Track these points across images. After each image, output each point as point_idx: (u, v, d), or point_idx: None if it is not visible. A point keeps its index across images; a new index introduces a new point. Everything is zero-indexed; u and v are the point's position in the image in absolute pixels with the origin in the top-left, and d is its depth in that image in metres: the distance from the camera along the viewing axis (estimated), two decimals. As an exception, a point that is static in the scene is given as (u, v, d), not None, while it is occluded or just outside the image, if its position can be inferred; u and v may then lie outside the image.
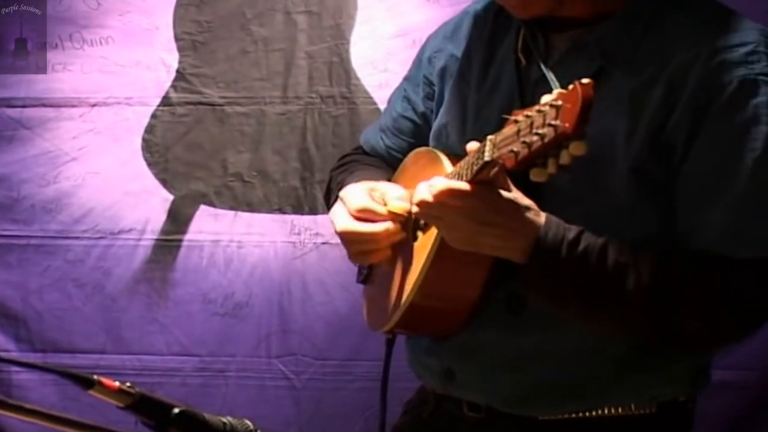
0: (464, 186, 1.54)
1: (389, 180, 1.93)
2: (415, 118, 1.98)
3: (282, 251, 3.21)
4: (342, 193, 1.84)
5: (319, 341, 3.19)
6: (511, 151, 1.41)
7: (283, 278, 3.21)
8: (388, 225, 1.76)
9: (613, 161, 1.62)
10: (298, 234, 3.21)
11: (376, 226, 1.77)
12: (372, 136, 2.08)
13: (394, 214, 1.76)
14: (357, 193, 1.81)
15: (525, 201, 1.57)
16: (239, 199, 3.24)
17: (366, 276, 1.95)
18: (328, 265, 3.14)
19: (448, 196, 1.54)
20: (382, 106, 3.05)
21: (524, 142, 1.38)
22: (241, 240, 3.23)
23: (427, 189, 1.56)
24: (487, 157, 1.48)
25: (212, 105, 3.23)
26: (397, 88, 2.05)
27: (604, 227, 1.60)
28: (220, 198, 3.24)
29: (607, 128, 1.61)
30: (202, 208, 3.25)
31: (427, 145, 1.88)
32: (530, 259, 1.56)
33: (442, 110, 1.86)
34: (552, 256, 1.55)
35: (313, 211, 3.19)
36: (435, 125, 1.88)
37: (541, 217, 1.57)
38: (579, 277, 1.57)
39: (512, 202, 1.56)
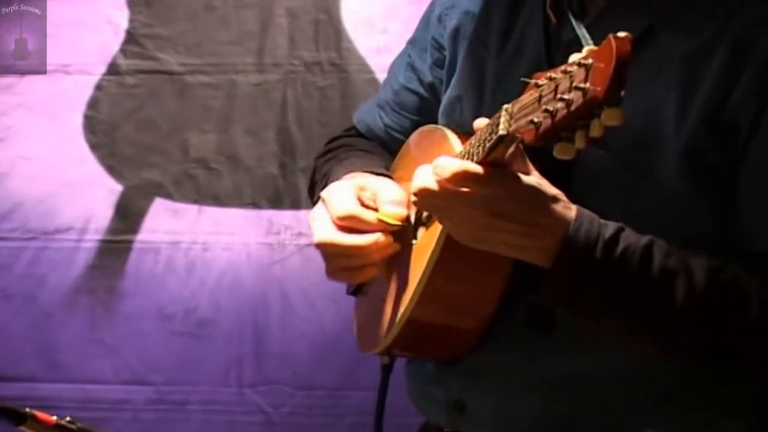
0: (477, 168, 1.53)
1: (388, 168, 1.93)
2: (421, 90, 1.99)
3: (257, 255, 3.21)
4: (325, 194, 1.83)
5: (303, 367, 3.19)
6: (531, 121, 1.40)
7: (258, 288, 3.21)
8: (377, 237, 1.75)
9: (661, 141, 1.62)
10: (277, 234, 3.21)
11: (362, 238, 1.76)
12: (368, 114, 2.08)
13: (386, 222, 1.76)
14: (342, 195, 1.80)
15: (551, 189, 1.56)
16: (204, 190, 3.24)
17: (357, 286, 1.94)
18: (314, 273, 3.12)
19: (458, 180, 1.53)
20: (381, 76, 3.07)
21: (547, 111, 1.37)
22: (206, 241, 3.23)
23: (431, 172, 1.55)
24: (502, 130, 1.47)
25: (170, 74, 3.23)
26: (400, 55, 2.06)
27: (648, 223, 1.60)
28: (181, 189, 3.24)
29: (654, 100, 1.61)
30: (158, 201, 3.25)
31: (435, 123, 1.88)
32: (557, 261, 1.55)
33: (454, 80, 1.87)
34: (584, 259, 1.55)
35: (295, 206, 3.19)
36: (445, 98, 1.88)
37: (572, 211, 1.56)
38: (617, 285, 1.57)
39: (535, 190, 1.55)
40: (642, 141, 1.62)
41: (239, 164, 3.24)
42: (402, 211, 1.76)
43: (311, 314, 3.18)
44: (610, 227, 1.58)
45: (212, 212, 3.24)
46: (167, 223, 3.25)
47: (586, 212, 1.58)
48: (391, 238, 1.76)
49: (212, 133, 3.24)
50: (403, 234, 1.77)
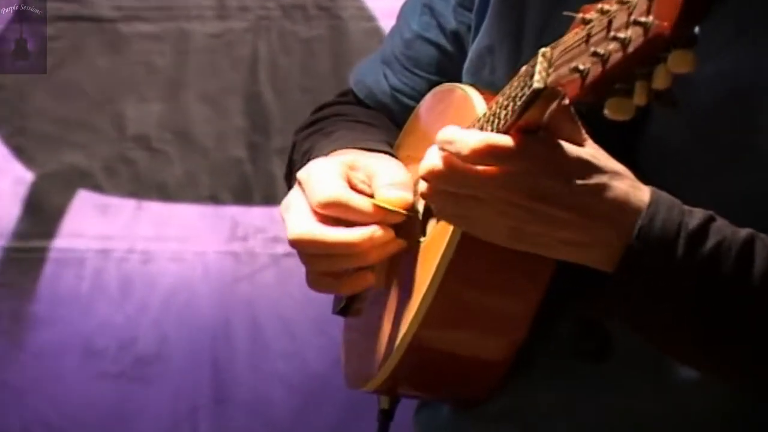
0: (505, 140, 1.51)
1: (392, 146, 1.94)
2: (441, 40, 2.00)
3: (217, 268, 3.26)
4: (302, 174, 1.82)
5: (278, 417, 3.23)
6: (575, 69, 1.40)
7: (219, 313, 3.25)
8: (373, 230, 1.75)
9: (766, 104, 1.64)
10: (245, 239, 3.24)
11: (352, 232, 1.75)
12: (369, 74, 2.10)
13: (386, 211, 1.75)
14: (325, 175, 1.79)
15: (613, 164, 1.55)
16: (144, 179, 3.28)
17: (347, 302, 1.95)
18: (294, 291, 3.17)
19: (481, 157, 1.51)
20: (385, 24, 3.08)
21: (596, 54, 1.37)
22: (147, 249, 3.27)
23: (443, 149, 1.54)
24: (537, 81, 1.45)
25: (99, 20, 3.29)
26: (414, -7, 2.05)
27: (746, 214, 1.61)
28: (113, 178, 3.28)
29: (755, 52, 1.64)
30: (83, 195, 3.29)
31: (459, 82, 1.88)
32: (624, 263, 1.55)
33: (485, 25, 1.88)
34: (661, 258, 1.55)
35: (269, 201, 3.22)
36: (472, 50, 1.90)
37: (643, 193, 1.56)
38: (704, 292, 1.57)
39: (590, 165, 1.54)
40: (737, 104, 1.64)
41: (193, 144, 3.28)
42: (406, 196, 1.75)
43: (290, 348, 3.22)
44: (695, 216, 1.57)
45: (156, 209, 3.29)
46: (95, 224, 3.28)
47: (664, 195, 1.57)
48: (391, 233, 1.75)
49: (156, 101, 3.29)
50: (408, 230, 1.76)
